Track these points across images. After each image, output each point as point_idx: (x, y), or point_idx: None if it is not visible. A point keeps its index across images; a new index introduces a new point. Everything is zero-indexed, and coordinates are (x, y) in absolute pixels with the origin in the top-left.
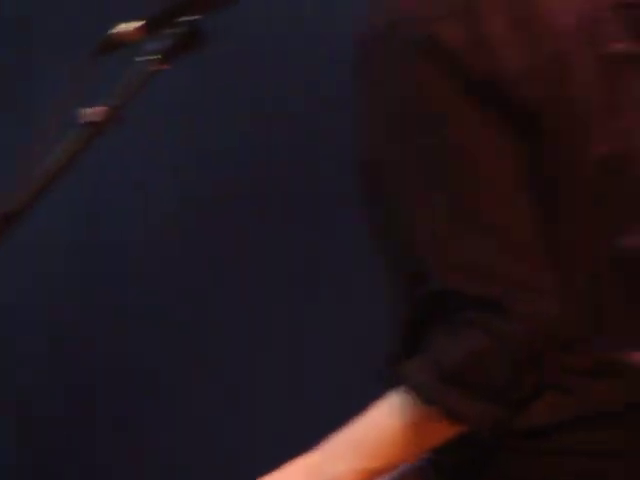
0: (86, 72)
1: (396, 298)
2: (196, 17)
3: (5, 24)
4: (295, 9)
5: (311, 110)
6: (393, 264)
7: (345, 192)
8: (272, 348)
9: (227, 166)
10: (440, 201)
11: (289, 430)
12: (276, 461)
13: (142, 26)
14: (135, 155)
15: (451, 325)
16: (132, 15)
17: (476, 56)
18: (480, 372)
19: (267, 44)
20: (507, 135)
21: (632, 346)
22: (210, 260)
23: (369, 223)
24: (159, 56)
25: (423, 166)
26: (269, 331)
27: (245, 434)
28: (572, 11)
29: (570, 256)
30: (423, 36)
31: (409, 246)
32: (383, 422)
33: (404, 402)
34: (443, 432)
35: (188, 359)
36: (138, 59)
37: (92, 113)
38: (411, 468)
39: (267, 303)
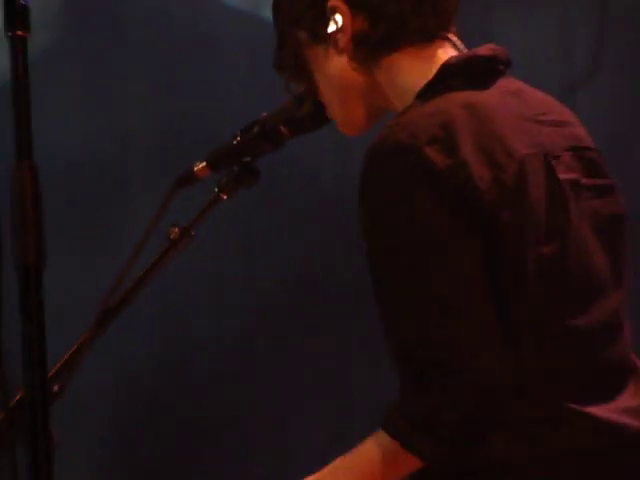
0: (169, 200)
1: (394, 363)
2: (248, 159)
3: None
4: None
5: None
6: (392, 343)
7: None
8: None
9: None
10: (416, 289)
11: None
12: None
13: (207, 166)
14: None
15: (418, 383)
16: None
17: (455, 175)
18: (435, 419)
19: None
20: (475, 235)
21: (580, 399)
22: None
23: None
24: (220, 190)
25: (407, 257)
26: None
27: None
28: (524, 143)
29: (522, 328)
30: (416, 159)
31: (397, 326)
32: (368, 453)
33: (384, 439)
34: (411, 463)
35: None
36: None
37: (174, 231)
38: None
39: None
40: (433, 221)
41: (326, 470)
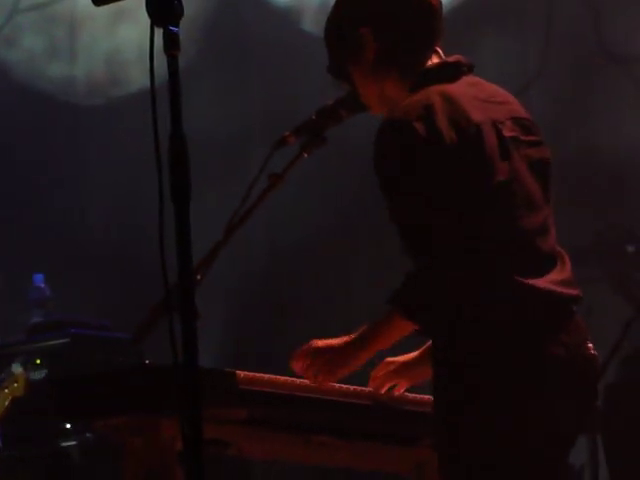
0: (269, 157)
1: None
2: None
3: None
4: None
5: None
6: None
7: None
8: None
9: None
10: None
11: None
12: None
13: (291, 134)
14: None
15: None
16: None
17: (433, 139)
18: (420, 299)
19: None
20: (450, 173)
21: (525, 276)
22: None
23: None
24: (302, 149)
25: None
26: None
27: None
28: (479, 114)
29: (484, 231)
30: (408, 129)
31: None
32: (387, 319)
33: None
34: (409, 326)
35: None
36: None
37: (272, 176)
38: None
39: None
40: (417, 170)
41: (364, 329)
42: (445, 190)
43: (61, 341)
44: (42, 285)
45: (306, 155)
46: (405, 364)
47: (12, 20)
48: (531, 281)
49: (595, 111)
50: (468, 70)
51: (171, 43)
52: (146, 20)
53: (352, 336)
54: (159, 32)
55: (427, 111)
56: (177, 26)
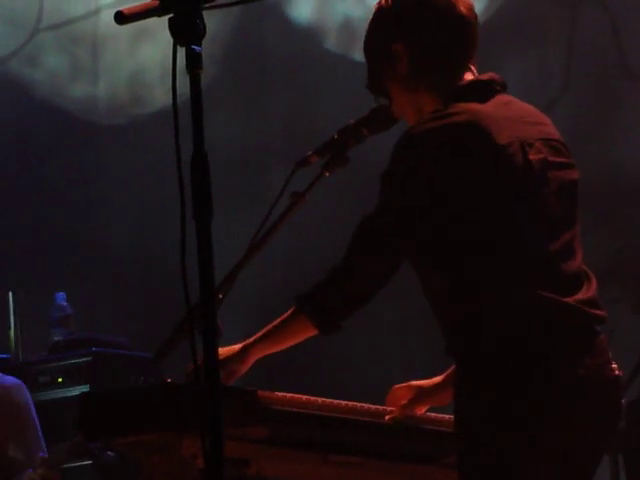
0: (291, 176)
1: None
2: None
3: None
4: None
5: None
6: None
7: None
8: None
9: None
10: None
11: None
12: None
13: (313, 154)
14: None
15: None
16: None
17: (455, 152)
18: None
19: None
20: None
21: (555, 293)
22: None
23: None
24: (324, 169)
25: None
26: None
27: None
28: (507, 135)
29: (515, 255)
30: (430, 141)
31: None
32: (291, 317)
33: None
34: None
35: None
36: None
37: (294, 195)
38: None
39: None
40: (424, 186)
41: (269, 327)
42: (455, 209)
43: (83, 359)
44: (64, 303)
45: (328, 174)
46: (428, 389)
47: (34, 39)
48: (554, 296)
49: (616, 129)
50: (501, 89)
51: (194, 62)
52: (168, 39)
53: None
54: (181, 51)
55: (446, 131)
56: (200, 45)
